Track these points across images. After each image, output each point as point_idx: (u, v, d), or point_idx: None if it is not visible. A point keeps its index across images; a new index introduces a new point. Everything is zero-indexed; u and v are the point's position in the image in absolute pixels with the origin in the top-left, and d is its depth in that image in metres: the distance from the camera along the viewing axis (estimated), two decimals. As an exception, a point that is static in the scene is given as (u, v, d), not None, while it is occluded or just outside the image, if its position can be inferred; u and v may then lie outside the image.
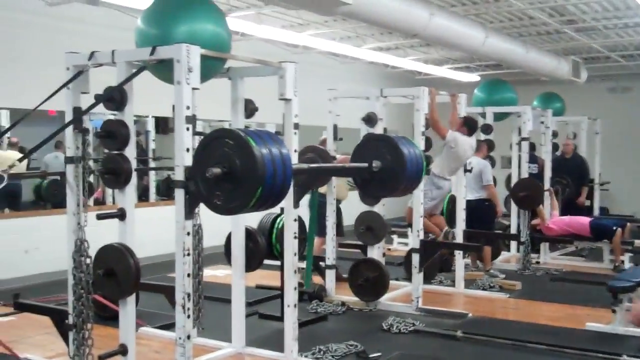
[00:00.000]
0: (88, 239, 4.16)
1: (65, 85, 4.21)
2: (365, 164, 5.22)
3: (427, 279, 7.25)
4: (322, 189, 6.98)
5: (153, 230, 7.19)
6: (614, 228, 8.46)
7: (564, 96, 11.58)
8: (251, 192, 3.66)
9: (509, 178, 9.56)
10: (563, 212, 9.36)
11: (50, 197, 9.13)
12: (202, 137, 4.21)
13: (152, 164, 10.08)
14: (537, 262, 8.93)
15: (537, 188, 8.65)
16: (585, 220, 8.73)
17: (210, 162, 3.68)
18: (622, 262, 8.48)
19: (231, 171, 3.64)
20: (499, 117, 9.34)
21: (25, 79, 7.58)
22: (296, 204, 4.76)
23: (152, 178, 9.93)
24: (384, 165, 5.20)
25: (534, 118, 8.93)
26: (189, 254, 3.89)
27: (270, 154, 3.71)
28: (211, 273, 7.73)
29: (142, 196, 9.85)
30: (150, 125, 9.80)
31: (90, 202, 8.30)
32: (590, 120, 11.42)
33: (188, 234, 3.90)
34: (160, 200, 9.66)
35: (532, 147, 9.15)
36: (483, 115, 9.12)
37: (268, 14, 8.95)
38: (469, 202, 7.48)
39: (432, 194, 7.30)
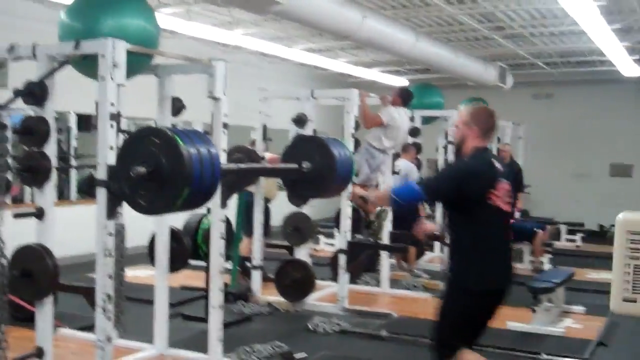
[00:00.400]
0: (5, 238, 4.00)
1: (-18, 78, 4.05)
2: (295, 165, 5.19)
3: (353, 279, 7.29)
4: (251, 188, 6.93)
5: (74, 229, 6.99)
6: (535, 230, 8.72)
7: (489, 101, 11.75)
8: (177, 193, 3.59)
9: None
10: None
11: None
12: (126, 135, 4.11)
13: (74, 162, 9.78)
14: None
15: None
16: (507, 222, 8.93)
17: (135, 161, 3.59)
18: (542, 263, 8.74)
19: (157, 170, 3.56)
20: (426, 120, 9.49)
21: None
22: (223, 205, 4.71)
23: (74, 176, 9.65)
24: (314, 167, 5.17)
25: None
26: (110, 255, 3.79)
27: (198, 153, 3.65)
28: (132, 273, 7.55)
29: (62, 195, 9.55)
30: (72, 122, 9.52)
31: (8, 200, 8.02)
32: (514, 125, 11.71)
33: (110, 234, 3.80)
34: (82, 199, 9.40)
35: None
36: (412, 119, 9.23)
37: (198, 12, 8.84)
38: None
39: (367, 163, 7.30)
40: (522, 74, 13.79)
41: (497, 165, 3.54)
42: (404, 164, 8.00)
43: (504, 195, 3.47)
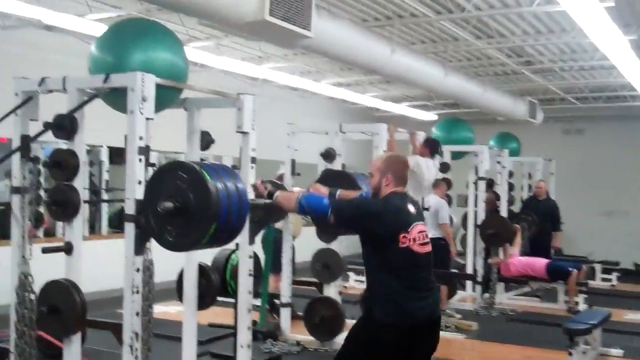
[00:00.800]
0: (35, 272, 3.97)
1: (13, 111, 4.05)
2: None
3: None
4: (277, 225, 6.84)
5: (104, 263, 6.93)
6: (570, 270, 8.51)
7: (519, 136, 11.70)
8: (204, 229, 3.53)
9: (464, 217, 9.54)
10: (530, 251, 9.41)
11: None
12: (155, 169, 4.06)
13: (105, 196, 9.81)
14: (492, 302, 8.90)
15: (505, 225, 8.68)
16: (542, 261, 8.76)
17: (162, 196, 3.54)
18: (577, 303, 8.50)
19: (184, 206, 3.50)
20: (456, 155, 9.36)
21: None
22: (251, 240, 4.63)
23: (105, 210, 9.67)
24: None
25: (491, 157, 8.99)
26: (138, 292, 3.72)
27: (225, 188, 3.59)
28: (162, 309, 7.47)
29: (93, 228, 9.56)
30: (104, 155, 9.58)
31: (40, 233, 8.02)
32: (545, 161, 11.53)
33: (138, 270, 3.73)
34: (113, 233, 9.39)
35: (490, 184, 9.19)
36: (441, 153, 9.11)
37: (227, 45, 8.90)
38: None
39: None
40: (553, 109, 13.66)
41: (412, 208, 3.59)
42: (434, 199, 7.86)
43: (417, 238, 3.50)
